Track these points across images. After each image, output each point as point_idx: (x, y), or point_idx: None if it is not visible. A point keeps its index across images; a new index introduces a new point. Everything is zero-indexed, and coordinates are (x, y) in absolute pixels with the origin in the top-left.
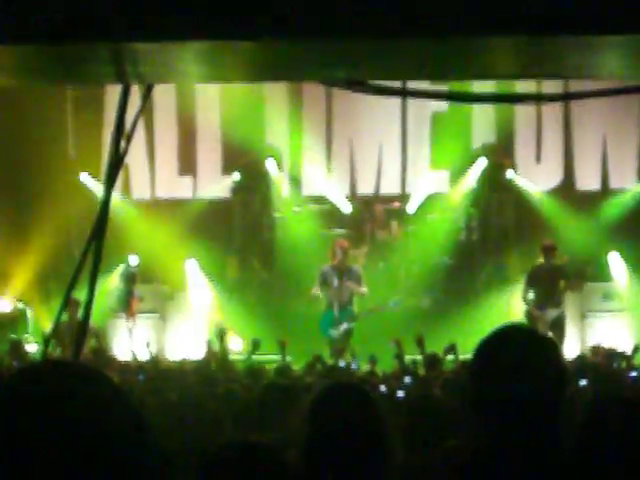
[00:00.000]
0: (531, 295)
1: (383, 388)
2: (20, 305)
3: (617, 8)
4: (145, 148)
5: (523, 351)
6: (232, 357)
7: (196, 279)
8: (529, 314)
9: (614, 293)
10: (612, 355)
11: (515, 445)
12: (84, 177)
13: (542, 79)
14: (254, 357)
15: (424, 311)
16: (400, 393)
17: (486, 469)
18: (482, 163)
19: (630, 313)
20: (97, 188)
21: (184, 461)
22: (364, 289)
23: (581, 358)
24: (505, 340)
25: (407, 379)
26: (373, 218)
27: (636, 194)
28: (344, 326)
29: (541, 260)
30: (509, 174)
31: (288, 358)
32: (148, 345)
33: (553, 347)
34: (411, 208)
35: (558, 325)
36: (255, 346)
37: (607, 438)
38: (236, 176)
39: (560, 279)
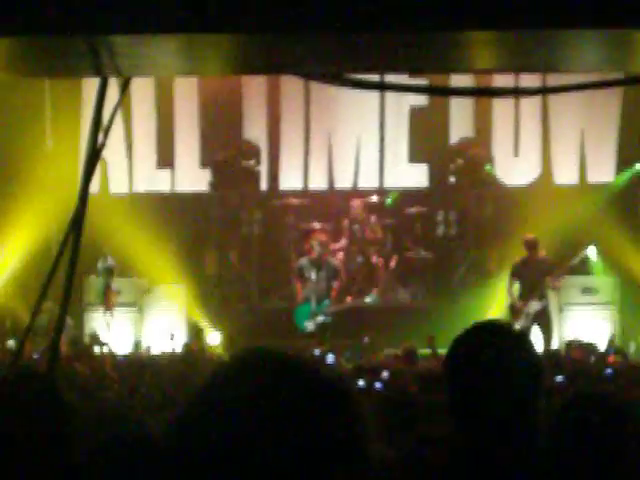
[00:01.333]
0: (515, 288)
1: (361, 382)
2: None
3: (592, 3)
4: (123, 141)
5: (496, 349)
6: (209, 352)
7: (174, 273)
8: (512, 307)
9: (592, 287)
10: (588, 350)
11: (489, 444)
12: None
13: (520, 73)
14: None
15: (402, 305)
16: (378, 385)
17: (463, 469)
18: (471, 168)
19: (608, 307)
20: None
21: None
22: (337, 283)
23: (557, 353)
24: (478, 339)
25: (385, 374)
26: (351, 212)
27: (614, 187)
28: (320, 319)
29: (523, 254)
30: (487, 168)
31: None
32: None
33: (527, 344)
34: (386, 203)
35: (543, 317)
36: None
37: (583, 438)
38: (214, 169)
39: (543, 273)
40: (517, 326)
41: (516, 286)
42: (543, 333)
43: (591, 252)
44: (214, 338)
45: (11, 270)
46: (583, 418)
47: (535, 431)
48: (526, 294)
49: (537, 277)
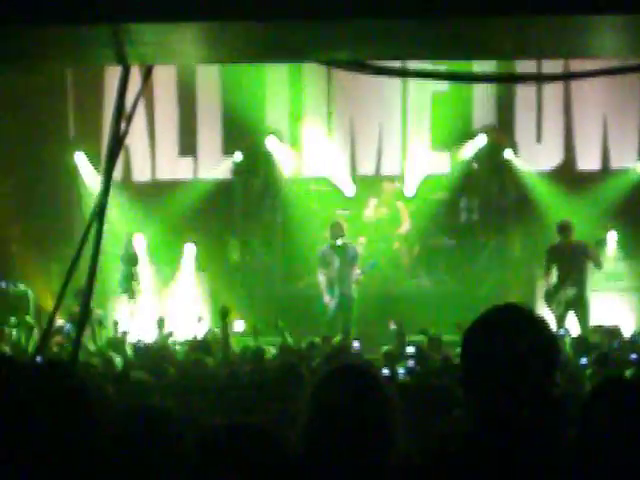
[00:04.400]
0: (554, 274)
1: (385, 371)
2: (22, 287)
3: None
4: (145, 129)
5: (512, 331)
6: (233, 338)
7: (193, 262)
8: (547, 293)
9: (616, 273)
10: (612, 334)
11: (502, 429)
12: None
13: (542, 59)
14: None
15: (426, 292)
16: (401, 370)
17: (476, 455)
18: (482, 140)
19: (632, 292)
20: (96, 170)
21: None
22: (357, 271)
23: (581, 337)
24: (490, 323)
25: (410, 362)
26: (382, 196)
27: (636, 173)
28: (332, 307)
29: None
30: (509, 154)
31: (289, 340)
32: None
33: (544, 327)
34: (409, 190)
35: (579, 304)
36: (255, 332)
37: (617, 423)
38: (237, 157)
39: (579, 257)
40: (551, 312)
41: (554, 272)
42: (579, 320)
43: (610, 238)
44: (239, 325)
45: (35, 254)
46: (617, 402)
47: (557, 417)
48: (561, 280)
49: (569, 262)
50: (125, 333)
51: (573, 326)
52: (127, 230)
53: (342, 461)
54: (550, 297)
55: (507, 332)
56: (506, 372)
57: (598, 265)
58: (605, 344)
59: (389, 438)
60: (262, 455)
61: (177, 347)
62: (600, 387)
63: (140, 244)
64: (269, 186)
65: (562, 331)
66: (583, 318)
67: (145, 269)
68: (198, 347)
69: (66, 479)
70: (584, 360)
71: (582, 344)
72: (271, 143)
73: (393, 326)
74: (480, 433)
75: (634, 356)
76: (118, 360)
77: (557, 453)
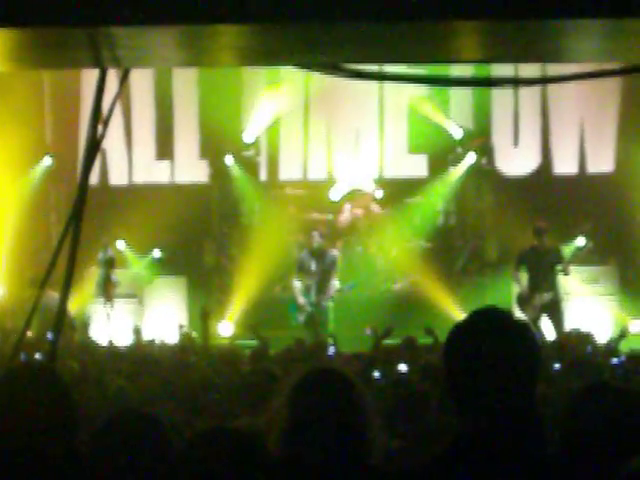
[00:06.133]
0: (523, 277)
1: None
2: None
3: None
4: (122, 133)
5: (492, 336)
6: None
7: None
8: (520, 297)
9: (591, 277)
10: (586, 339)
11: (488, 431)
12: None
13: (519, 62)
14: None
15: (402, 295)
16: (377, 374)
17: (464, 457)
18: (470, 159)
19: (607, 297)
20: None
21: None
22: (336, 285)
23: (556, 342)
24: (475, 325)
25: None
26: (358, 203)
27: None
28: (308, 310)
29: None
30: (486, 158)
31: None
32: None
33: (525, 331)
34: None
35: (553, 309)
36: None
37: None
38: (214, 161)
39: (553, 262)
40: (524, 316)
41: (524, 275)
42: (553, 324)
43: (580, 243)
44: (225, 328)
45: (12, 262)
46: (603, 407)
47: (532, 419)
48: (535, 284)
49: (547, 266)
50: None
51: (548, 330)
52: (104, 234)
53: (320, 463)
54: (523, 301)
55: (491, 334)
56: (490, 374)
57: (566, 273)
58: (579, 349)
59: (366, 439)
60: (244, 459)
61: (155, 350)
62: (586, 392)
63: (117, 248)
64: (245, 190)
65: (537, 335)
66: (558, 323)
67: (122, 273)
68: (176, 350)
69: None
70: (557, 365)
71: (556, 349)
72: (248, 146)
73: (369, 332)
74: (465, 433)
75: (615, 360)
76: (91, 363)
77: (541, 453)
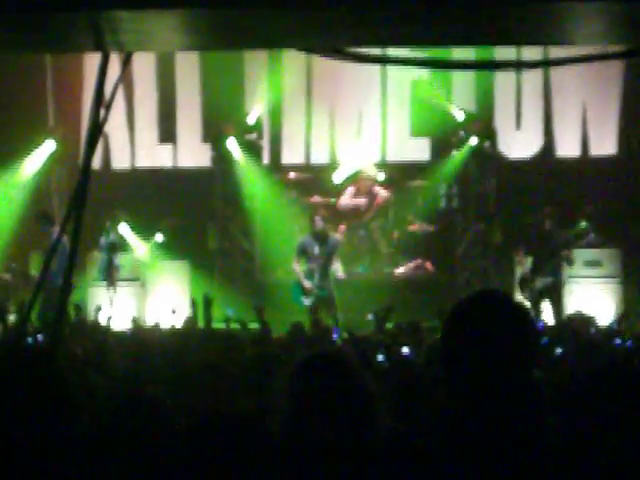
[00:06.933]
0: (528, 261)
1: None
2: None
3: None
4: (125, 117)
5: (491, 320)
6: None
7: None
8: (522, 280)
9: (595, 260)
10: (588, 322)
11: (483, 413)
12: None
13: (522, 45)
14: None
15: (405, 279)
16: (380, 358)
17: (464, 439)
18: (473, 142)
19: (610, 280)
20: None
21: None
22: (336, 265)
23: (559, 326)
24: (474, 309)
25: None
26: (360, 186)
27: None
28: (317, 293)
29: (537, 225)
30: (489, 141)
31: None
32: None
33: (524, 315)
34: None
35: (553, 292)
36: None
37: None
38: (217, 145)
39: (557, 246)
40: (524, 299)
41: (529, 258)
42: (553, 307)
43: (589, 225)
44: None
45: (14, 246)
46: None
47: (530, 403)
48: (537, 267)
49: (550, 250)
50: (109, 319)
51: (548, 314)
52: (106, 218)
53: (322, 447)
54: (525, 284)
55: (489, 317)
56: (489, 357)
57: (569, 263)
58: (581, 332)
59: (368, 423)
60: (247, 442)
61: (157, 334)
62: (598, 374)
63: (120, 232)
64: (249, 173)
65: (537, 318)
66: (557, 306)
67: (125, 257)
68: (179, 335)
69: (47, 469)
70: (559, 349)
71: (557, 332)
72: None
73: (371, 317)
74: (464, 416)
75: (618, 341)
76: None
77: (541, 436)
